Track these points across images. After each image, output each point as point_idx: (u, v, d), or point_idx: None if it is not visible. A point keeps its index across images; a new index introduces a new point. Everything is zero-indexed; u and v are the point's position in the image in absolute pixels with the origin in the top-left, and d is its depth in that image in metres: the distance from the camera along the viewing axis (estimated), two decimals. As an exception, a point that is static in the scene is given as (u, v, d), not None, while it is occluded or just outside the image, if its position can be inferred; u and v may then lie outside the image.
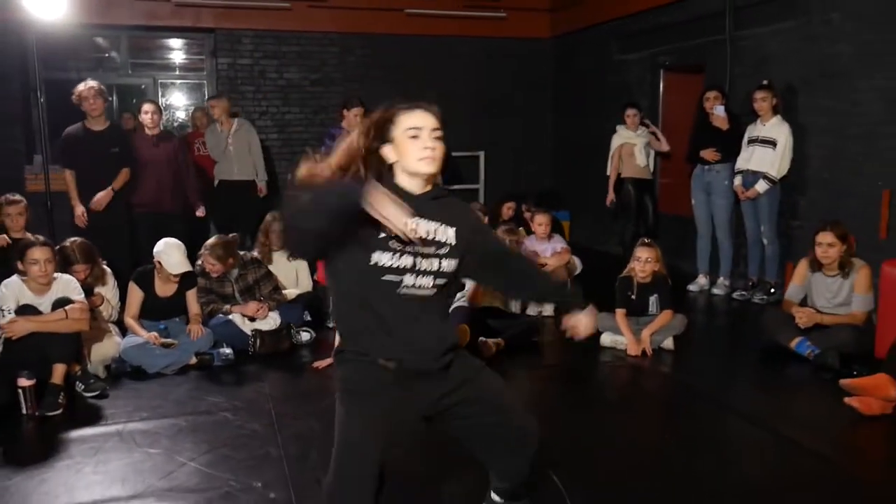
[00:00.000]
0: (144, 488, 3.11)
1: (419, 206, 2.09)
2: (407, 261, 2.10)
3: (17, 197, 5.16)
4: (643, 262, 5.05)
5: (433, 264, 2.15)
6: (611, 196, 7.49)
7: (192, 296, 4.95)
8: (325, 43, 9.34)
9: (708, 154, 6.45)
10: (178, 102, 10.07)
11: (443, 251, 2.17)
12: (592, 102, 8.91)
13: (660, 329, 4.98)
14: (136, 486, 3.13)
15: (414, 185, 2.19)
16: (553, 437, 3.72)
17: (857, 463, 3.42)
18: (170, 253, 4.79)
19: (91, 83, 5.86)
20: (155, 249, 4.85)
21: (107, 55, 9.32)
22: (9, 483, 3.17)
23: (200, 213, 6.62)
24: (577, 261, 6.88)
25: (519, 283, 2.52)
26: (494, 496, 2.63)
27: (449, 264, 2.18)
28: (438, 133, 2.16)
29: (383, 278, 2.09)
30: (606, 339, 5.10)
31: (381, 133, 2.17)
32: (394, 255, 2.09)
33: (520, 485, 2.57)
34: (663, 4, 7.57)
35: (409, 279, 2.11)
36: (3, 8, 7.73)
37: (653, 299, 5.10)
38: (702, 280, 6.79)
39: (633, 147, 7.34)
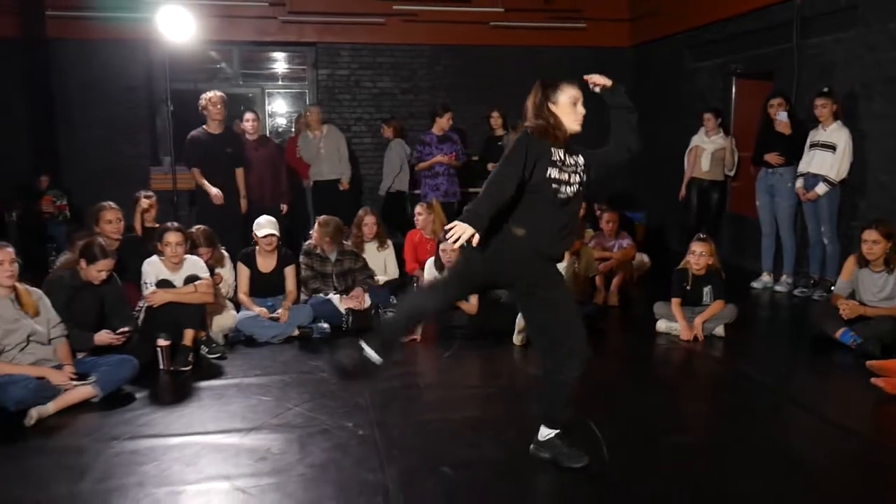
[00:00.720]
0: (260, 424, 3.84)
1: (569, 144, 3.16)
2: (564, 175, 3.06)
3: (150, 193, 6.11)
4: (697, 255, 5.50)
5: (576, 177, 3.12)
6: (682, 192, 8.01)
7: (290, 273, 5.75)
8: (415, 54, 10.11)
9: (772, 158, 6.80)
10: (282, 110, 10.99)
11: (580, 168, 3.17)
12: (667, 108, 9.30)
13: (712, 317, 5.42)
14: (254, 422, 3.88)
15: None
16: (604, 400, 4.30)
17: (885, 437, 3.79)
18: (260, 223, 5.72)
19: (217, 92, 6.81)
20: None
21: (219, 66, 10.33)
22: (155, 416, 3.98)
23: (283, 210, 7.41)
24: (646, 258, 7.36)
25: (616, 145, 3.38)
26: (542, 429, 3.28)
27: (584, 176, 3.18)
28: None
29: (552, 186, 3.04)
30: (662, 325, 5.58)
31: (547, 94, 3.16)
32: (559, 171, 3.06)
33: (557, 414, 3.29)
34: (735, 15, 7.95)
35: (564, 188, 3.07)
36: (133, 28, 8.82)
37: (706, 290, 5.54)
38: (765, 277, 7.13)
39: (701, 151, 7.77)
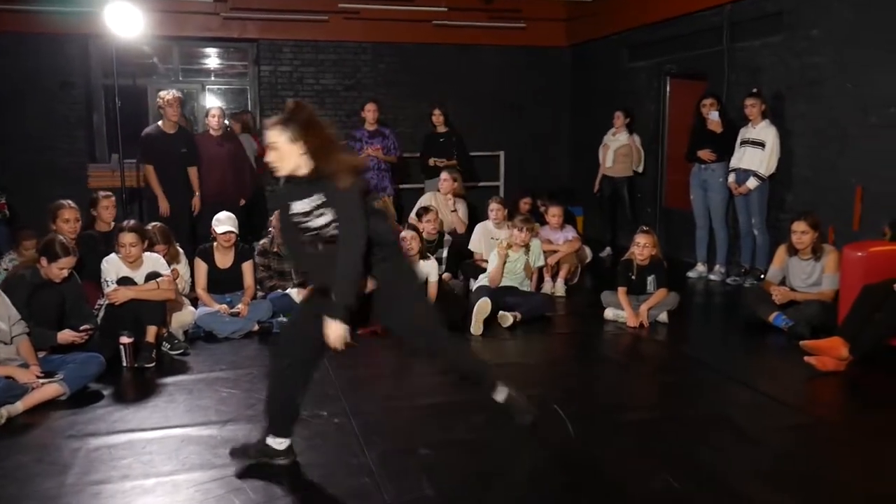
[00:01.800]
0: (235, 416, 3.94)
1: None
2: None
3: (108, 192, 6.07)
4: (641, 246, 5.81)
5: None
6: (595, 188, 8.82)
7: (247, 268, 5.82)
8: (358, 52, 10.19)
9: (704, 154, 7.20)
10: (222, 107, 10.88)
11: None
12: (604, 106, 9.67)
13: (656, 305, 5.74)
14: (227, 414, 3.96)
15: None
16: (562, 382, 4.56)
17: (817, 408, 4.17)
18: (220, 219, 5.77)
19: (174, 92, 6.82)
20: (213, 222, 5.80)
21: (156, 61, 10.18)
22: (127, 412, 4.02)
23: (241, 202, 7.41)
24: (587, 250, 7.69)
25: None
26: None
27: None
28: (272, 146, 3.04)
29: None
30: (609, 313, 5.88)
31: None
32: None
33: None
34: (669, 18, 8.34)
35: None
36: (71, 22, 8.65)
37: (650, 279, 5.86)
38: (700, 267, 7.55)
39: (606, 148, 8.59)
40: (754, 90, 6.82)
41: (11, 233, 6.91)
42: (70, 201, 5.48)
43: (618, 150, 8.57)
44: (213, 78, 10.88)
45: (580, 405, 4.10)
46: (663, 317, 5.78)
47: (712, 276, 7.39)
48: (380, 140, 7.95)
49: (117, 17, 6.80)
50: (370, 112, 7.84)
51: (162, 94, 6.84)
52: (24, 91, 8.95)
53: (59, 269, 4.54)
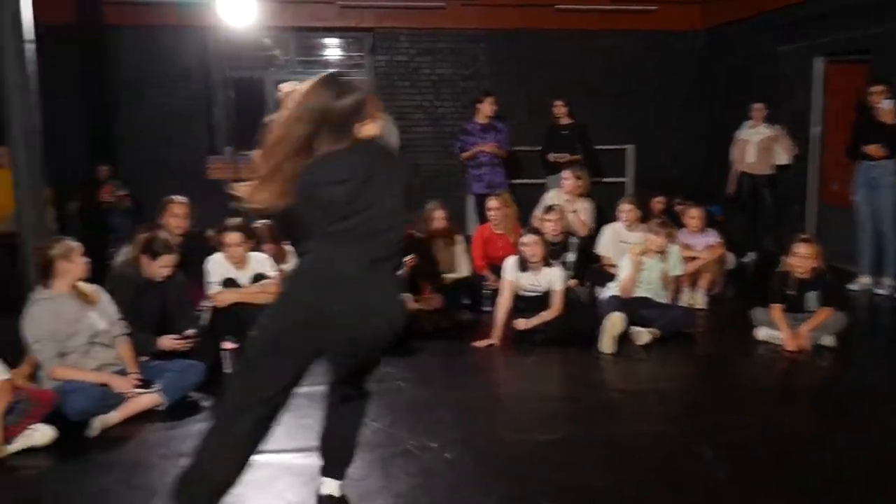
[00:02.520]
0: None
1: None
2: None
3: (182, 198, 5.33)
4: (802, 258, 5.02)
5: None
6: (731, 187, 7.92)
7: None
8: (476, 39, 9.69)
9: (872, 150, 6.26)
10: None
11: None
12: (747, 95, 8.75)
13: (819, 326, 4.95)
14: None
15: None
16: (706, 416, 3.90)
17: None
18: None
19: (294, 84, 6.46)
20: None
21: (275, 52, 10.06)
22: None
23: None
24: (730, 256, 6.90)
25: None
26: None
27: None
28: None
29: None
30: (762, 333, 5.13)
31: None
32: None
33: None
34: (825, -8, 7.37)
35: None
36: (189, 14, 8.59)
37: (811, 296, 5.06)
38: (864, 279, 6.59)
39: (746, 143, 7.64)
40: (937, 75, 5.85)
41: (134, 226, 6.81)
42: (180, 196, 5.23)
43: (759, 143, 7.71)
44: (330, 69, 10.66)
45: (726, 446, 3.45)
46: (828, 340, 4.97)
47: (879, 290, 6.43)
48: (492, 134, 7.44)
49: (230, 8, 6.56)
50: (488, 105, 7.31)
51: (282, 86, 6.53)
52: (144, 84, 8.97)
53: (160, 268, 4.30)
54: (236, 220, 4.84)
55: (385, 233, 2.40)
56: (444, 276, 5.98)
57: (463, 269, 6.12)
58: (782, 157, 7.77)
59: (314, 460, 3.30)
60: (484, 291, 5.96)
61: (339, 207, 2.31)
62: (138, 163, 8.80)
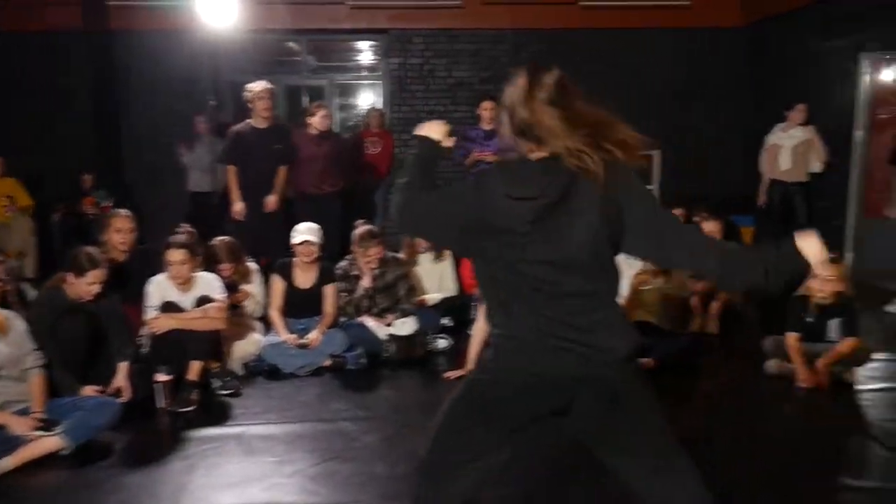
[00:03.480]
0: (244, 500, 3.06)
1: None
2: None
3: (128, 212, 4.92)
4: (823, 280, 4.33)
5: None
6: (761, 198, 7.23)
7: (329, 292, 4.98)
8: (496, 40, 9.15)
9: None
10: (353, 102, 10.29)
11: None
12: (788, 96, 8.00)
13: (839, 359, 4.27)
14: (237, 496, 3.10)
15: None
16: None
17: None
18: (299, 229, 4.98)
19: (263, 84, 6.07)
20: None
21: (294, 58, 9.73)
22: (124, 481, 3.26)
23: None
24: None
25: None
26: None
27: None
28: None
29: None
30: (773, 365, 4.48)
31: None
32: None
33: None
34: (873, -18, 6.61)
35: None
36: (180, 16, 8.28)
37: (833, 324, 4.39)
38: (906, 301, 5.85)
39: (779, 148, 6.93)
40: None
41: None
42: (125, 210, 4.84)
43: (794, 148, 6.99)
44: (343, 74, 10.26)
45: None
46: (850, 376, 4.30)
47: (924, 315, 5.68)
48: (497, 141, 6.88)
49: (215, 9, 6.19)
50: (486, 111, 6.79)
51: (250, 86, 6.07)
52: (148, 89, 8.73)
53: (87, 285, 3.89)
54: (182, 237, 4.43)
55: None
56: (428, 296, 5.48)
57: (448, 288, 5.60)
58: (815, 163, 7.03)
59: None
60: (474, 314, 5.43)
61: None
62: (141, 169, 8.58)
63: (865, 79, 7.13)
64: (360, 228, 5.05)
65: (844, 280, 4.45)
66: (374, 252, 4.97)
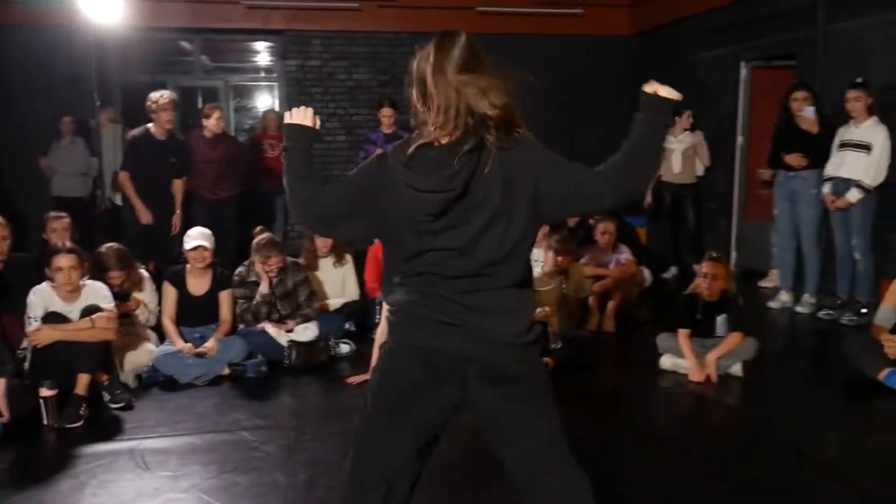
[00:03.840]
0: (149, 519, 2.94)
1: None
2: None
3: (62, 213, 5.21)
4: (710, 278, 4.57)
5: None
6: (647, 198, 7.38)
7: (224, 298, 4.86)
8: (394, 43, 9.15)
9: (794, 160, 5.88)
10: (250, 104, 10.09)
11: None
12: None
13: (727, 353, 4.50)
14: (141, 514, 2.97)
15: None
16: (600, 466, 3.38)
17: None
18: (191, 234, 4.89)
19: (167, 94, 5.95)
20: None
21: (188, 58, 9.43)
22: (14, 501, 3.06)
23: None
24: (646, 273, 6.46)
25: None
26: None
27: None
28: None
29: None
30: (667, 361, 4.67)
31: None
32: None
33: None
34: (750, -4, 7.02)
35: None
36: (67, 13, 7.89)
37: (720, 320, 4.62)
38: (784, 297, 6.21)
39: (671, 151, 7.24)
40: (859, 81, 5.46)
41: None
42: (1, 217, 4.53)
43: (684, 152, 7.34)
44: (238, 74, 10.06)
45: (601, 492, 2.93)
46: (737, 369, 4.53)
47: (799, 308, 6.03)
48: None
49: (125, 8, 5.91)
50: (386, 117, 6.81)
51: (153, 95, 5.95)
52: (29, 88, 8.25)
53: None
54: (66, 243, 4.21)
55: None
56: (330, 301, 5.42)
57: (351, 292, 5.55)
58: (700, 167, 7.42)
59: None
60: (378, 317, 5.40)
61: None
62: (18, 171, 8.11)
63: (745, 86, 7.55)
64: (261, 236, 4.93)
65: (729, 278, 4.68)
66: (275, 261, 4.87)
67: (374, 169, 1.93)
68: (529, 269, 2.03)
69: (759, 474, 3.33)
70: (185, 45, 9.34)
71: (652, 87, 2.00)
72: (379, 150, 6.04)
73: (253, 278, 4.93)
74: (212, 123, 6.30)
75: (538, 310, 4.81)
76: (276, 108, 9.12)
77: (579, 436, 3.77)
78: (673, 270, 7.42)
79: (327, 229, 2.29)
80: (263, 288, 4.89)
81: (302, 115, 2.11)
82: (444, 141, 1.85)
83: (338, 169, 9.09)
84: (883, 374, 4.19)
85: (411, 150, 1.86)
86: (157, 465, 3.40)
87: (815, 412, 4.14)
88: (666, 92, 1.98)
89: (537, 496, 1.92)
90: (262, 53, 9.79)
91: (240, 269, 5.00)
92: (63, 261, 4.03)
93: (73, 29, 7.94)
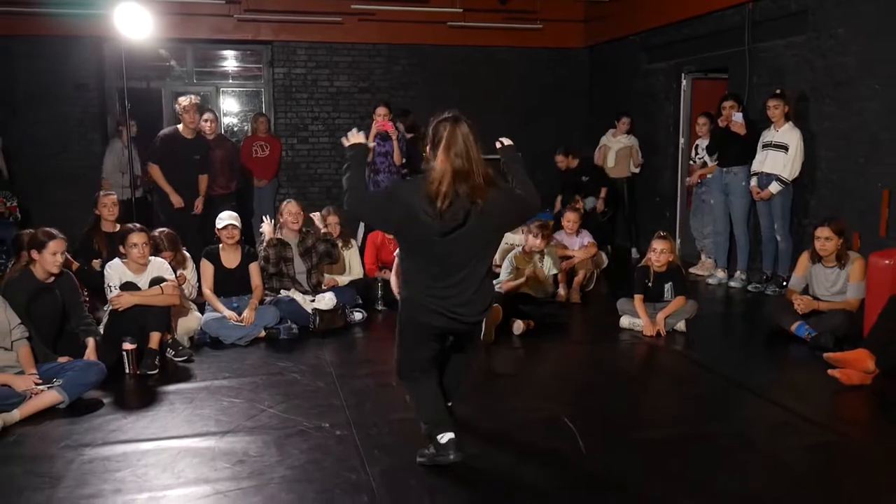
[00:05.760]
0: (235, 426, 3.81)
1: None
2: None
3: (111, 192, 6.07)
4: (658, 252, 5.63)
5: None
6: (600, 206, 8.71)
7: (254, 269, 5.74)
8: (373, 54, 10.08)
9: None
10: (236, 109, 10.82)
11: None
12: (622, 107, 9.46)
13: (673, 313, 5.56)
14: (228, 425, 3.84)
15: None
16: (574, 396, 4.40)
17: (842, 424, 3.94)
18: (221, 216, 5.76)
19: (192, 99, 6.87)
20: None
21: (171, 64, 10.13)
22: (125, 421, 3.92)
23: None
24: (603, 255, 7.51)
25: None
26: None
27: None
28: None
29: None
30: (625, 321, 5.71)
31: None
32: None
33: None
34: (689, 18, 8.14)
35: None
36: (84, 25, 8.62)
37: (668, 286, 5.68)
38: (720, 273, 7.34)
39: (608, 149, 8.82)
40: (777, 91, 6.61)
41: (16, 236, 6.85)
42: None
43: (619, 151, 8.82)
44: (227, 81, 10.80)
45: (592, 421, 3.93)
46: (681, 325, 5.60)
47: (732, 283, 7.18)
48: (390, 143, 7.79)
49: (127, 20, 6.69)
50: (380, 115, 7.67)
51: (181, 99, 6.98)
52: (38, 94, 8.93)
53: (51, 255, 4.40)
54: (138, 225, 5.05)
55: None
56: (338, 277, 6.32)
57: (356, 272, 6.48)
58: (633, 167, 8.89)
59: (211, 443, 3.60)
60: (380, 293, 6.32)
61: None
62: (32, 173, 8.76)
63: (685, 95, 8.70)
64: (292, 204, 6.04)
65: (673, 252, 5.75)
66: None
67: (402, 197, 3.13)
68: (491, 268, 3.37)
69: (702, 395, 4.39)
70: (181, 53, 10.05)
71: (500, 143, 3.48)
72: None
73: (276, 241, 5.92)
74: (207, 127, 7.23)
75: (517, 280, 5.86)
76: (264, 111, 9.92)
77: (562, 372, 4.85)
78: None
79: (366, 221, 3.66)
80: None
81: (355, 136, 3.30)
82: (444, 206, 3.03)
83: (321, 167, 10.01)
84: (794, 326, 5.29)
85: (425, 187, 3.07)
86: (233, 395, 4.27)
87: (744, 355, 5.27)
88: (507, 141, 3.49)
89: (446, 370, 3.59)
90: (252, 61, 10.53)
91: (263, 238, 6.00)
92: (137, 238, 4.87)
93: (80, 40, 8.70)
